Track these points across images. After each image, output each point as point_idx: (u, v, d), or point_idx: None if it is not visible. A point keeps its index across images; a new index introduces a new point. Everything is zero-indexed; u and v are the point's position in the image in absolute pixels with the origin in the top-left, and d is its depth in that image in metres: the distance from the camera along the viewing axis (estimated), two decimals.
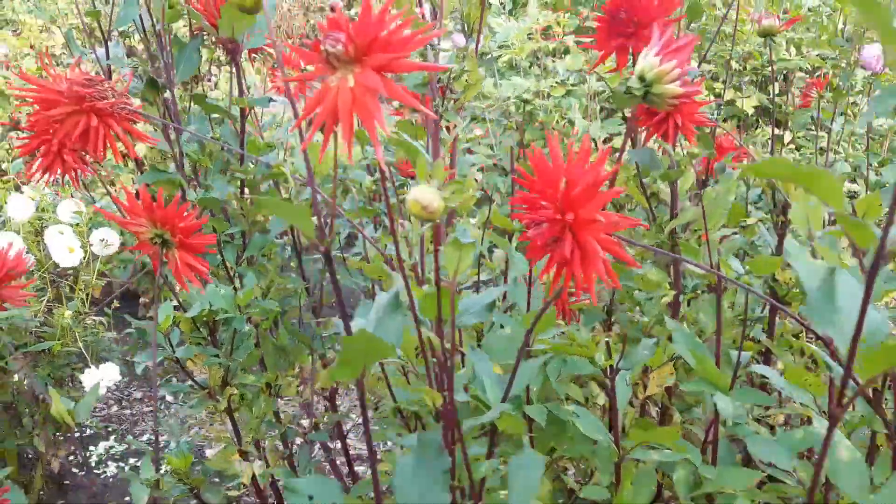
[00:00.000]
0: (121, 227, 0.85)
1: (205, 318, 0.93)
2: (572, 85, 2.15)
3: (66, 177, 0.75)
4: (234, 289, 0.96)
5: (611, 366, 0.68)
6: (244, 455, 0.99)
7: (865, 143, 1.80)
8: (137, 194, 0.69)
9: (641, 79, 0.45)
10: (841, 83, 2.33)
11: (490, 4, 2.41)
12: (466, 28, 1.14)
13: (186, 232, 0.70)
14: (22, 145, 0.73)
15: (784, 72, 2.35)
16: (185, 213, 0.70)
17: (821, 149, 1.33)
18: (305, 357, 1.17)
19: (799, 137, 1.69)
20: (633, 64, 0.87)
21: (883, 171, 1.82)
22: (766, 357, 1.00)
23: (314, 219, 0.48)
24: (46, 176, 0.73)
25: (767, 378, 0.75)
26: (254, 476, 0.98)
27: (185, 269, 0.71)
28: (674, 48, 0.45)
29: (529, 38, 2.20)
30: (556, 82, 2.13)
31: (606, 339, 0.67)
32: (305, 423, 1.30)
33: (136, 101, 0.87)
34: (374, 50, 0.39)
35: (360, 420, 0.88)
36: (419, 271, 0.69)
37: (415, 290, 0.54)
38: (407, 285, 0.49)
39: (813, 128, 1.36)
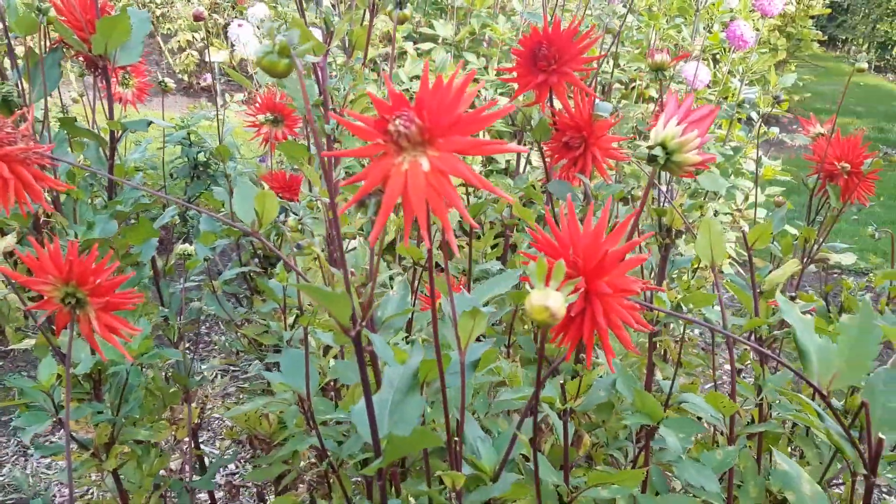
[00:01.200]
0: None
1: (87, 371, 0.83)
2: None
3: None
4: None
5: (566, 409, 0.68)
6: None
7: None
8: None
9: (663, 147, 0.46)
10: (657, 94, 2.52)
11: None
12: (348, 45, 1.11)
13: (106, 289, 0.62)
14: None
15: (604, 84, 2.50)
16: (105, 267, 0.61)
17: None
18: (178, 398, 1.09)
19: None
20: (551, 99, 0.88)
21: (700, 178, 2.00)
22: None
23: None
24: None
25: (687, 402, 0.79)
26: None
27: (105, 331, 0.62)
28: (697, 118, 0.46)
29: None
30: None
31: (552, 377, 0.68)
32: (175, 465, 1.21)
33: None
34: (449, 131, 0.36)
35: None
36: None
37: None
38: (439, 360, 0.46)
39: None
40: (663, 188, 1.10)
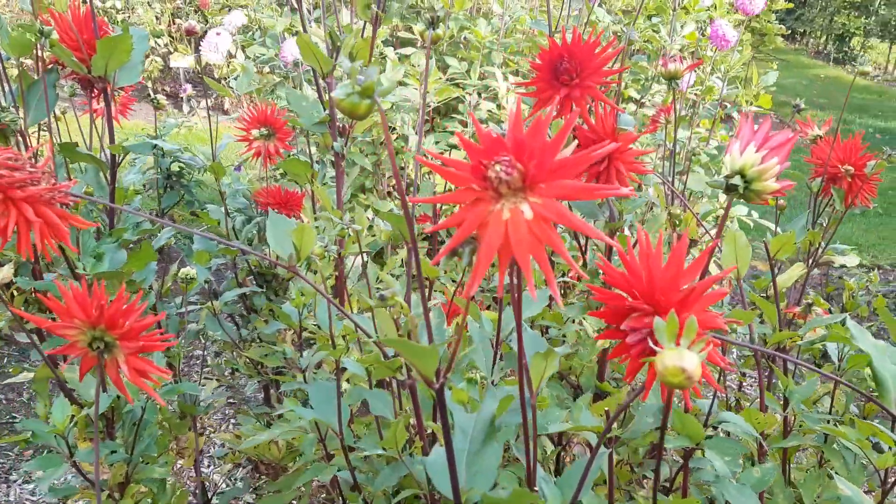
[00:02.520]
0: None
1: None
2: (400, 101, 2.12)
3: None
4: None
5: (614, 437, 0.66)
6: None
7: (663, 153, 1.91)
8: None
9: (742, 175, 0.44)
10: (637, 94, 2.52)
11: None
12: (350, 57, 1.07)
13: (136, 332, 0.58)
14: None
15: None
16: (136, 307, 0.58)
17: None
18: (186, 428, 1.05)
19: None
20: (569, 112, 0.86)
21: (686, 179, 2.01)
22: None
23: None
24: None
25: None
26: None
27: (135, 375, 0.59)
28: (776, 145, 0.44)
29: None
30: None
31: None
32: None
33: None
34: (552, 176, 0.33)
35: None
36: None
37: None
38: (523, 401, 0.43)
39: None
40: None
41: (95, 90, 0.92)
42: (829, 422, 0.93)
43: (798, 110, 1.25)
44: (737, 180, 0.44)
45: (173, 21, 5.81)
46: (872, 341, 0.49)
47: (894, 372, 0.48)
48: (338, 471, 0.85)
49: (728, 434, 0.83)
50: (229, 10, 5.05)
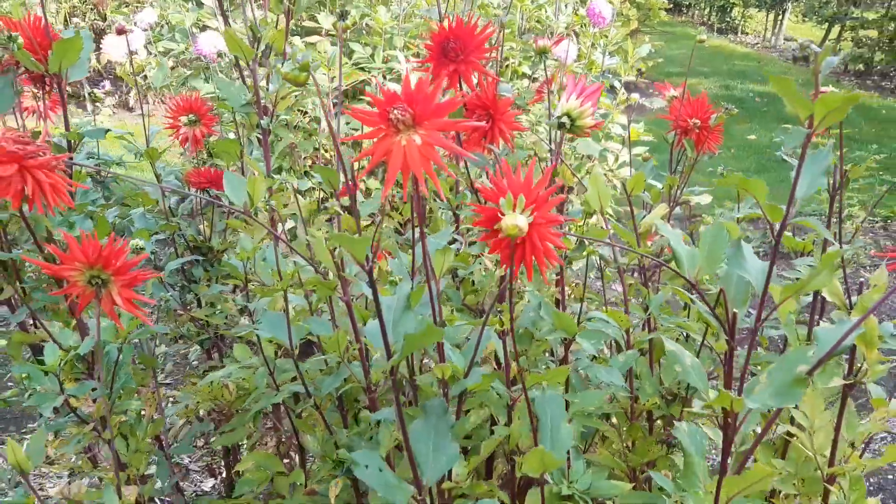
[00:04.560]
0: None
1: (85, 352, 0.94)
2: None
3: None
4: None
5: (504, 330, 0.86)
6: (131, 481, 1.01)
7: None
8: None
9: (569, 116, 0.63)
10: (529, 70, 2.73)
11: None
12: (267, 49, 1.23)
13: (126, 268, 0.74)
14: None
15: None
16: (124, 250, 0.74)
17: None
18: (149, 377, 1.20)
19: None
20: (460, 84, 1.05)
21: (577, 144, 2.24)
22: None
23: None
24: None
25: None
26: None
27: (129, 304, 0.75)
28: (589, 93, 0.63)
29: None
30: None
31: None
32: None
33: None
34: (432, 115, 0.52)
35: None
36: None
37: None
38: (431, 291, 0.62)
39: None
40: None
41: (46, 86, 1.06)
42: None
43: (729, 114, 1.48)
44: (564, 119, 0.64)
45: (69, 20, 5.73)
46: (671, 231, 0.70)
47: (686, 250, 0.69)
48: (288, 392, 1.03)
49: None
50: (130, 6, 5.05)
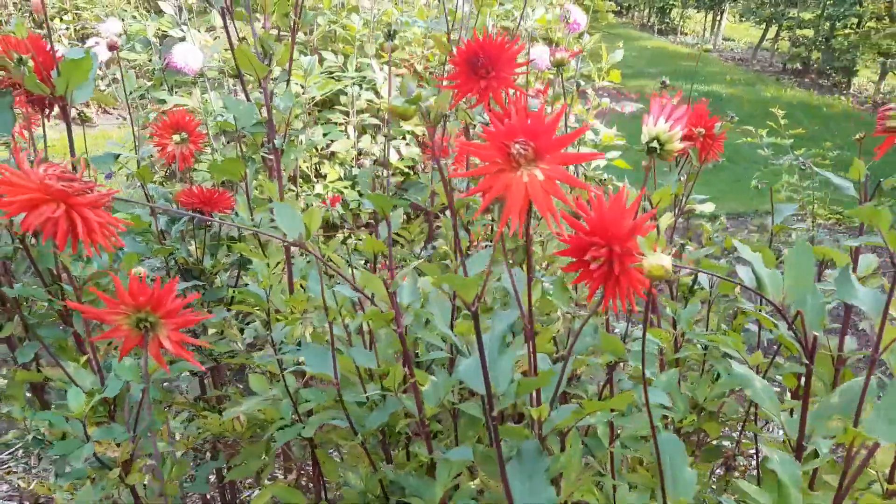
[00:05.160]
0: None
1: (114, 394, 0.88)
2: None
3: None
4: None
5: (561, 356, 0.83)
6: None
7: None
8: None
9: (658, 140, 0.61)
10: None
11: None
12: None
13: (176, 311, 0.69)
14: None
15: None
16: (173, 290, 0.69)
17: None
18: (164, 414, 1.15)
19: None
20: (488, 101, 1.02)
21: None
22: None
23: None
24: None
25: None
26: None
27: (178, 347, 0.70)
28: (678, 117, 0.61)
29: None
30: None
31: None
32: None
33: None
34: (553, 149, 0.49)
35: None
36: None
37: None
38: (528, 311, 0.59)
39: None
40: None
41: (46, 108, 1.00)
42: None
43: (664, 86, 1.46)
44: (654, 144, 0.62)
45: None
46: (751, 253, 0.68)
47: (769, 273, 0.67)
48: (318, 424, 0.98)
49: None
50: (70, 13, 4.87)
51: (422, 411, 0.80)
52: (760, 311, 0.95)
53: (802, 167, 1.77)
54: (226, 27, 1.16)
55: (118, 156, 1.02)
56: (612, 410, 0.92)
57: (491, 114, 0.56)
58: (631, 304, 0.64)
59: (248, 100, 1.19)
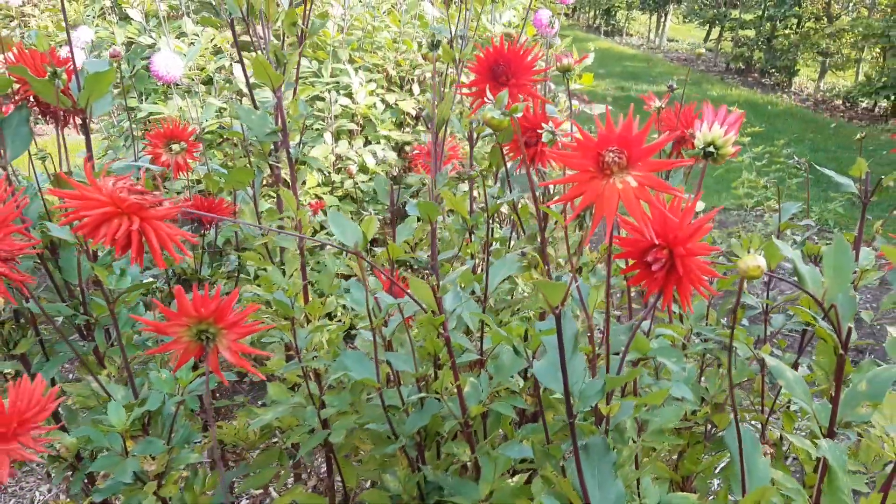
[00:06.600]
0: None
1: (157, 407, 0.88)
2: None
3: None
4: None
5: (596, 354, 0.86)
6: None
7: None
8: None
9: (713, 145, 0.64)
10: None
11: None
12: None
13: (238, 321, 0.70)
14: None
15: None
16: (233, 301, 0.69)
17: None
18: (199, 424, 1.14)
19: None
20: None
21: None
22: None
23: None
24: None
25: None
26: None
27: (237, 357, 0.70)
28: (731, 123, 0.64)
29: None
30: None
31: None
32: None
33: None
34: (643, 157, 0.51)
35: None
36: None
37: None
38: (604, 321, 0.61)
39: None
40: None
41: (63, 121, 0.98)
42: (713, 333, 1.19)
43: (671, 90, 1.50)
44: (710, 148, 0.64)
45: None
46: (792, 250, 0.72)
47: (808, 270, 0.71)
48: (344, 430, 0.99)
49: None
50: (15, 20, 4.74)
51: (466, 412, 0.82)
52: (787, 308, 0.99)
53: (797, 167, 1.82)
54: (235, 40, 1.16)
55: (140, 167, 1.01)
56: (646, 405, 0.96)
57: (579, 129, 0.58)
58: (689, 305, 0.67)
59: (256, 108, 1.19)
